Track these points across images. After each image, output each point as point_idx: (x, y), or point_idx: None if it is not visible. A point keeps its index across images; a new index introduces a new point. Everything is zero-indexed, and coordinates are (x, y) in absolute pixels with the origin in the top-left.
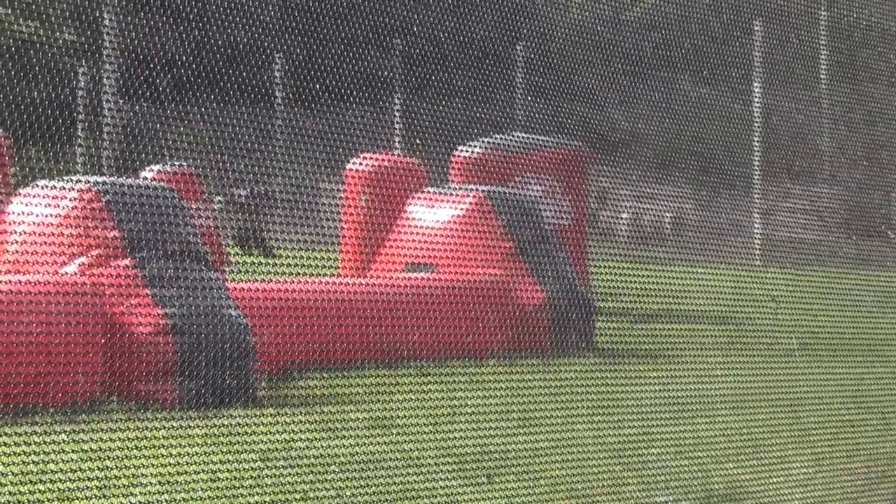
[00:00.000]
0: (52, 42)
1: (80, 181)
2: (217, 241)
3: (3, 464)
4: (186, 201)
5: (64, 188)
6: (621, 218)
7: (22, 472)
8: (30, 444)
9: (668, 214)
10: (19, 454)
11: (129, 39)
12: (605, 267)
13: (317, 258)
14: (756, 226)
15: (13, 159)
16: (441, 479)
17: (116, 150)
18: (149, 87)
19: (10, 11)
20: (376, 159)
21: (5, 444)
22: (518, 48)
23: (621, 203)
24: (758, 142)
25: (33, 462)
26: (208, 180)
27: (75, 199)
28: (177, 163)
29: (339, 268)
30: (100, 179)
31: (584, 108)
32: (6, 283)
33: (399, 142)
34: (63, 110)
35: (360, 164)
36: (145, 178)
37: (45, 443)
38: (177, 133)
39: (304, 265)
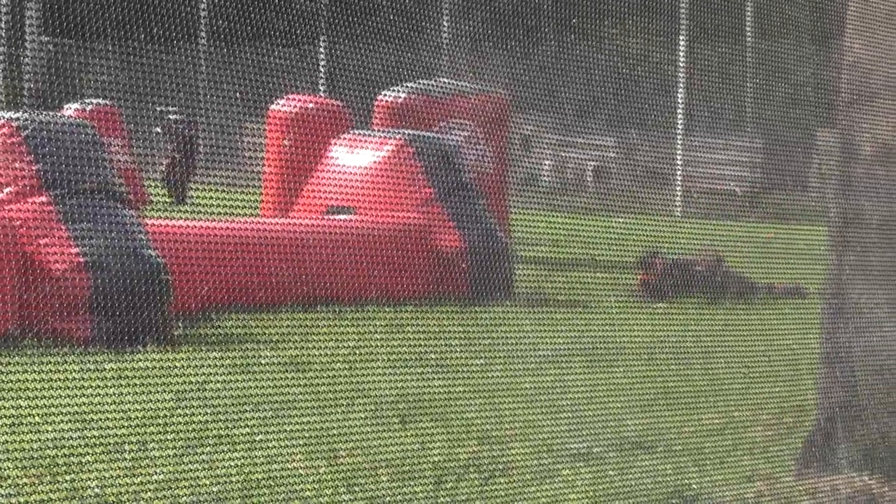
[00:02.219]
0: None
1: None
2: (135, 179)
3: None
4: (106, 138)
5: None
6: (543, 166)
7: None
8: None
9: (590, 163)
10: None
11: None
12: (526, 214)
13: (237, 198)
14: (678, 176)
15: None
16: (355, 421)
17: (36, 85)
18: (71, 22)
19: None
20: (299, 101)
21: None
22: None
23: (544, 151)
24: (682, 93)
25: None
26: (127, 118)
27: None
28: (96, 100)
29: (259, 208)
30: (17, 114)
31: (509, 55)
32: None
33: (323, 84)
34: None
35: (283, 105)
36: (64, 114)
37: None
38: (97, 70)
39: (224, 205)
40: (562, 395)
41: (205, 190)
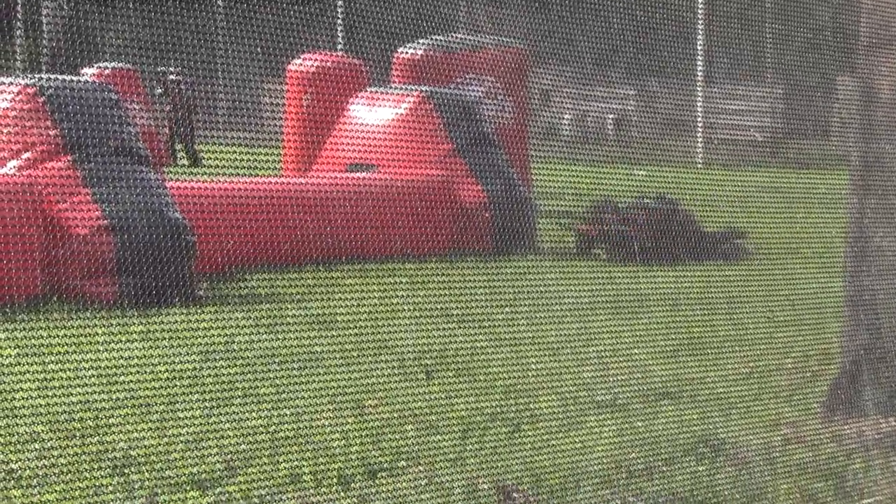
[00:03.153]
0: None
1: (18, 79)
2: (158, 140)
3: None
4: (127, 100)
5: (3, 85)
6: (563, 118)
7: None
8: None
9: (610, 115)
10: None
11: None
12: (547, 167)
13: (259, 157)
14: (698, 125)
15: None
16: (381, 376)
17: (55, 48)
18: None
19: None
20: (318, 59)
21: None
22: None
23: (563, 103)
24: (701, 41)
25: None
26: (148, 80)
27: (13, 96)
28: (116, 62)
29: (280, 167)
30: (38, 77)
31: (526, 6)
32: None
33: (341, 41)
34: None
35: (302, 63)
36: (85, 77)
37: None
38: (117, 31)
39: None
40: (587, 345)
41: (226, 149)
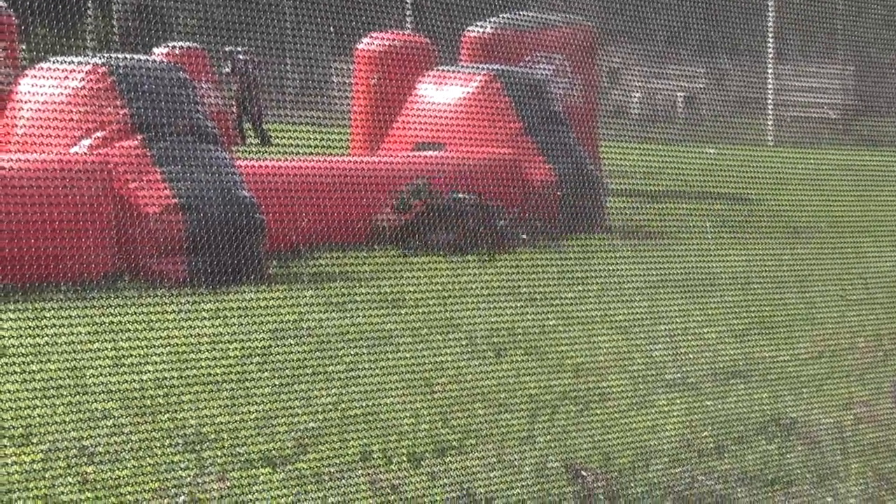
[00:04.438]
0: None
1: (89, 59)
2: (227, 119)
3: (16, 339)
4: (196, 80)
5: (73, 66)
6: (633, 96)
7: (34, 347)
8: (42, 320)
9: (680, 94)
10: (32, 329)
11: None
12: (616, 146)
13: (327, 137)
14: (769, 105)
15: (20, 37)
16: (450, 355)
17: (126, 27)
18: None
19: None
20: (386, 38)
21: (18, 319)
22: None
23: (633, 81)
24: (772, 19)
25: (45, 337)
26: (219, 59)
27: (84, 77)
28: (186, 42)
29: (349, 147)
30: (109, 57)
31: None
32: (16, 161)
33: (410, 20)
34: None
35: (371, 43)
36: (156, 57)
37: (57, 317)
38: (185, 11)
39: (314, 144)
40: (656, 324)
41: (295, 129)
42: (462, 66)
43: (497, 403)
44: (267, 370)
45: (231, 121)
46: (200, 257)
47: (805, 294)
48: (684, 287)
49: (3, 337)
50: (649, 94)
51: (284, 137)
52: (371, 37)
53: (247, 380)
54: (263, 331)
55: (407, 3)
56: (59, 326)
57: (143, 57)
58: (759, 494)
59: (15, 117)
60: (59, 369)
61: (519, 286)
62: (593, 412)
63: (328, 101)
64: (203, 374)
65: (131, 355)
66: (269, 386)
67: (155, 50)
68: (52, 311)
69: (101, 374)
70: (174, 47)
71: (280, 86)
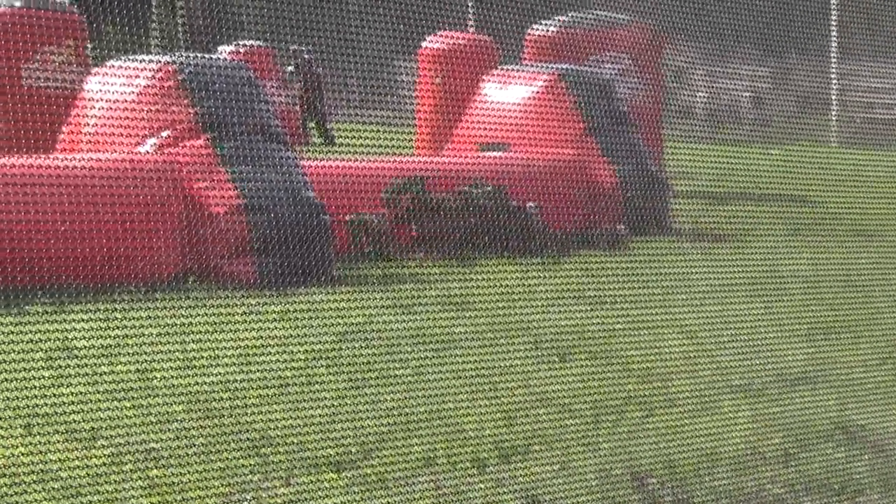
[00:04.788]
0: None
1: (156, 58)
2: (291, 119)
3: (83, 339)
4: (261, 79)
5: (140, 65)
6: (697, 97)
7: (103, 348)
8: (110, 321)
9: (745, 94)
10: (100, 330)
11: None
12: (681, 147)
13: (392, 137)
14: (833, 105)
15: (88, 36)
16: (516, 359)
17: (190, 27)
18: None
19: None
20: (449, 38)
21: (87, 320)
22: None
23: (697, 82)
24: (835, 17)
25: (114, 338)
26: (282, 59)
27: (152, 76)
28: (250, 41)
29: (413, 147)
30: (175, 56)
31: None
32: (83, 161)
33: (472, 19)
34: None
35: (434, 42)
36: (220, 56)
37: (125, 319)
38: (249, 10)
39: (378, 144)
40: (721, 329)
41: (359, 129)
42: (526, 66)
43: (562, 408)
44: (333, 372)
45: (296, 120)
46: (267, 258)
47: (872, 298)
48: (750, 290)
49: (73, 337)
50: (714, 93)
51: (349, 137)
52: (434, 36)
53: (313, 382)
54: (330, 333)
55: (469, 2)
56: (128, 327)
57: (209, 56)
58: (826, 503)
59: (83, 117)
60: (127, 370)
61: (585, 289)
62: (659, 417)
63: (393, 100)
64: (269, 377)
65: (198, 357)
66: (335, 389)
67: (220, 48)
68: (121, 312)
69: (168, 376)
70: (240, 46)
71: (345, 85)
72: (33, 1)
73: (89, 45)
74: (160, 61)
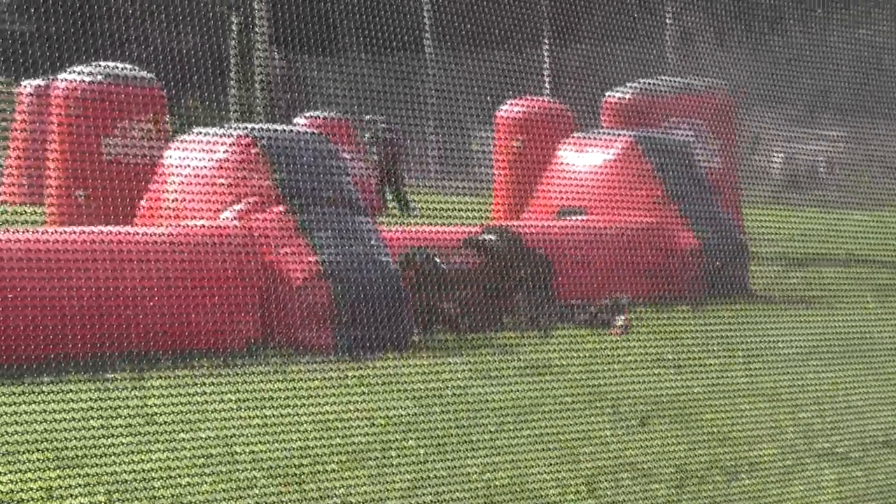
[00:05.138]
0: None
1: (236, 128)
2: (371, 187)
3: (163, 406)
4: (339, 148)
5: (219, 136)
6: (774, 160)
7: (181, 414)
8: (191, 389)
9: (822, 156)
10: (178, 398)
11: None
12: (759, 210)
13: (469, 204)
14: None
15: (168, 108)
16: (595, 423)
17: (269, 98)
18: (300, 35)
19: None
20: (526, 104)
21: (163, 387)
22: None
23: (774, 145)
24: None
25: (192, 405)
26: (360, 128)
27: (231, 146)
28: (328, 110)
29: (491, 213)
30: (255, 126)
31: (736, 50)
32: (163, 231)
33: (549, 87)
34: (216, 59)
35: (511, 109)
36: (298, 126)
37: (206, 387)
38: (327, 80)
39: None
40: (803, 393)
41: (436, 196)
42: (602, 132)
43: (643, 473)
44: (412, 439)
45: (373, 188)
46: (346, 326)
47: None
48: (834, 354)
49: (153, 404)
50: (790, 156)
51: (425, 205)
52: (511, 103)
53: (392, 448)
54: (409, 399)
55: (545, 69)
56: (208, 394)
57: (287, 127)
58: None
59: (163, 188)
60: (208, 438)
61: (664, 354)
62: (741, 482)
63: (470, 167)
64: (348, 443)
65: (279, 424)
66: (415, 456)
67: (297, 119)
68: (200, 379)
69: (249, 443)
70: (316, 116)
71: (422, 153)
72: (116, 76)
73: (170, 117)
74: (239, 132)
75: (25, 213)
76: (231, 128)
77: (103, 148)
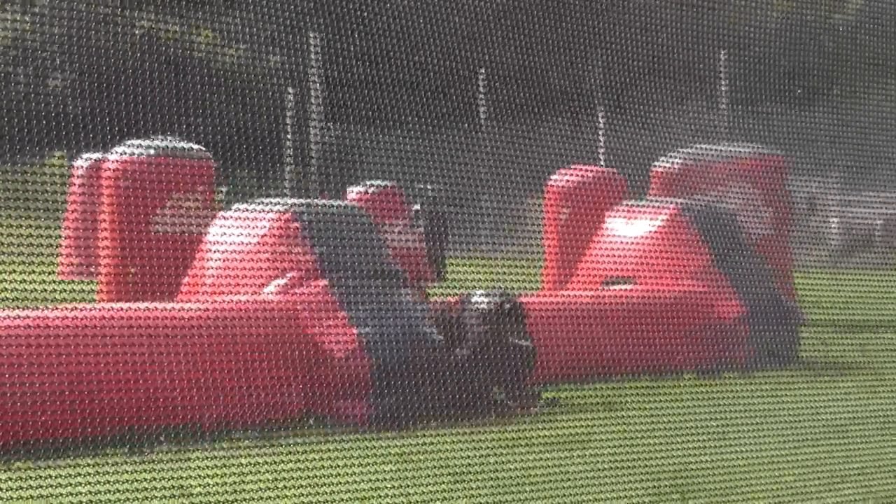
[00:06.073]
0: (259, 66)
1: (276, 203)
2: (421, 257)
3: (203, 480)
4: (390, 220)
5: (259, 211)
6: (828, 225)
7: (221, 492)
8: (228, 463)
9: (878, 220)
10: (218, 469)
11: (334, 63)
12: (811, 276)
13: (519, 272)
14: None
15: (220, 181)
16: (635, 497)
17: (322, 171)
18: (353, 109)
19: (218, 36)
20: (577, 173)
21: (204, 458)
22: (721, 56)
23: (827, 210)
24: None
25: (231, 480)
26: (411, 199)
27: (271, 221)
28: (379, 182)
29: (541, 282)
30: (295, 201)
31: (789, 114)
32: (206, 304)
33: (602, 154)
34: (270, 133)
35: (562, 178)
36: (339, 201)
37: (243, 462)
38: (379, 152)
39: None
40: (847, 463)
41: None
42: (648, 200)
43: None
44: None
45: (424, 258)
46: (384, 397)
47: None
48: (884, 424)
49: (189, 476)
50: (844, 221)
51: (473, 273)
52: (562, 171)
53: None
54: (445, 473)
55: (599, 137)
56: (244, 466)
57: (327, 201)
58: None
59: (205, 262)
60: None
61: (707, 424)
62: None
63: (520, 236)
64: None
65: (316, 497)
66: None
67: (350, 189)
68: (240, 454)
69: None
70: (369, 186)
71: (472, 222)
72: (166, 149)
73: (223, 190)
74: (279, 208)
75: (76, 290)
76: (271, 203)
77: (153, 222)
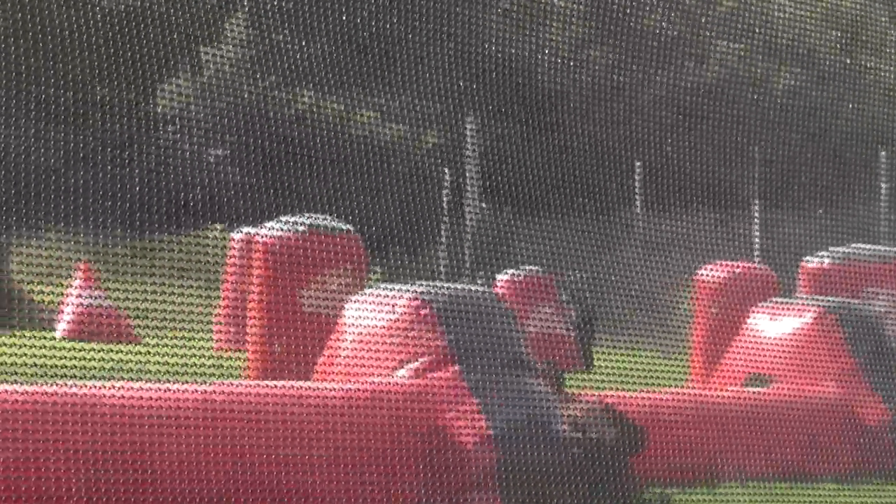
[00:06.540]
0: (416, 145)
1: (410, 288)
2: (567, 344)
3: None
4: (539, 306)
5: (393, 295)
6: None
7: None
8: None
9: None
10: None
11: (490, 143)
12: None
13: (668, 365)
14: None
15: (368, 260)
16: None
17: (477, 253)
18: (508, 191)
19: (376, 115)
20: (727, 268)
21: None
22: (882, 154)
23: None
24: None
25: None
26: (561, 286)
27: (404, 305)
28: (529, 267)
29: (688, 376)
30: (428, 285)
31: None
32: (337, 389)
33: (757, 250)
34: (426, 212)
35: (710, 272)
36: (474, 287)
37: None
38: (531, 238)
39: (652, 373)
40: None
41: (632, 358)
42: (794, 299)
43: None
44: None
45: (572, 346)
46: (511, 492)
47: None
48: None
49: None
50: None
51: (618, 367)
52: (711, 265)
53: None
54: None
55: (755, 232)
56: None
57: (463, 286)
58: None
59: (338, 343)
60: None
61: None
62: None
63: (667, 328)
64: None
65: None
66: None
67: (499, 276)
68: None
69: None
70: (517, 273)
71: (616, 311)
72: (316, 226)
73: (372, 272)
74: (412, 292)
75: (226, 365)
76: (405, 287)
77: (300, 300)
